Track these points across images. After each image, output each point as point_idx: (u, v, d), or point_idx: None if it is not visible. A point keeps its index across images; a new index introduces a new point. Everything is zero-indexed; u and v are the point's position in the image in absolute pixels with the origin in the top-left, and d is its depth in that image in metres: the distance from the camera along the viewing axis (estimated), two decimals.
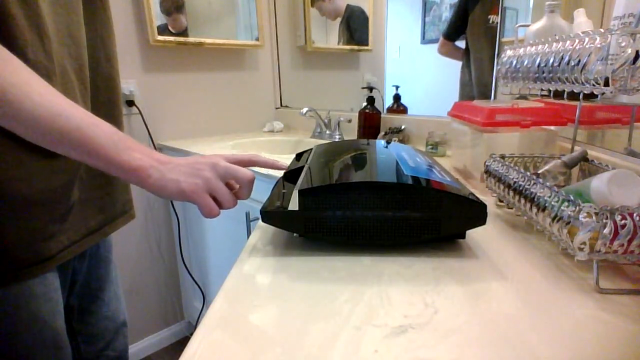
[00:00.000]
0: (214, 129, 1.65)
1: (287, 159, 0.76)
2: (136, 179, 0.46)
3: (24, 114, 0.40)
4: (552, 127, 0.76)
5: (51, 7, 0.49)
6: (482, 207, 0.48)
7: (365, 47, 1.63)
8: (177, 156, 0.52)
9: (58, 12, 0.51)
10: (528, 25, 0.79)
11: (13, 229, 0.48)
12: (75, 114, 0.43)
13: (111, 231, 0.65)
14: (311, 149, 0.73)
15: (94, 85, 0.59)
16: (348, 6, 1.63)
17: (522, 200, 0.51)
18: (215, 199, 0.48)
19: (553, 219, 0.44)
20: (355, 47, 1.66)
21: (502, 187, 0.57)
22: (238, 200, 0.51)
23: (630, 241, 0.39)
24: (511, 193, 0.55)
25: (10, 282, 0.50)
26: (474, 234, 0.55)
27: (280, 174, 0.62)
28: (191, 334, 0.46)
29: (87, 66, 0.56)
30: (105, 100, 0.62)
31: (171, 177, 0.46)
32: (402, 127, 1.32)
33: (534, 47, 0.62)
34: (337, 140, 1.48)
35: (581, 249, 0.40)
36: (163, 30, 1.39)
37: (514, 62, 0.67)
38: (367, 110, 1.36)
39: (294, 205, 0.49)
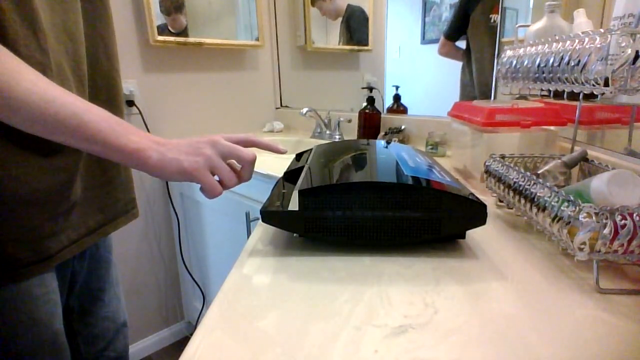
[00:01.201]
0: (214, 129, 1.65)
1: (287, 159, 0.76)
2: (136, 162, 0.45)
3: (15, 102, 0.40)
4: (552, 127, 0.76)
5: (47, 3, 0.49)
6: (482, 207, 0.48)
7: (365, 47, 1.63)
8: None
9: (54, 9, 0.50)
10: (528, 26, 0.79)
11: (11, 228, 0.48)
12: (70, 101, 0.43)
13: (112, 230, 0.65)
14: (311, 149, 0.73)
15: (93, 83, 0.59)
16: (349, 6, 1.63)
17: (522, 200, 0.51)
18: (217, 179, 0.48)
19: (553, 219, 0.44)
20: (355, 47, 1.66)
21: (502, 187, 0.57)
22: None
23: (630, 241, 0.39)
24: (511, 193, 0.55)
25: (9, 282, 0.49)
26: (474, 234, 0.55)
27: (279, 172, 0.62)
28: (191, 334, 0.46)
29: (84, 64, 0.56)
30: (105, 99, 0.61)
31: (172, 157, 0.46)
32: (402, 127, 1.32)
33: (534, 47, 0.62)
34: (337, 140, 1.48)
35: (581, 249, 0.40)
36: (163, 30, 1.39)
37: (514, 62, 0.67)
38: (367, 111, 1.36)
39: (294, 205, 0.49)
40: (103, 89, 0.61)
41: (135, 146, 0.45)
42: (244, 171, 0.51)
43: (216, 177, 0.49)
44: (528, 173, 0.52)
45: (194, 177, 0.46)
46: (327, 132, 1.53)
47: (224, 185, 0.49)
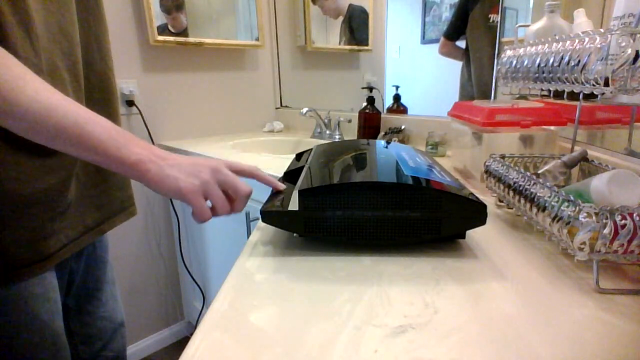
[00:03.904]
0: (214, 129, 1.65)
1: (287, 159, 0.76)
2: (135, 174, 0.45)
3: (18, 110, 0.40)
4: (552, 127, 0.76)
5: (41, 4, 0.49)
6: (482, 207, 0.48)
7: (365, 47, 1.63)
8: None
9: (49, 9, 0.51)
10: (528, 25, 0.79)
11: (12, 228, 0.48)
12: (72, 110, 0.43)
13: (109, 228, 0.65)
14: (311, 149, 0.73)
15: (87, 82, 0.59)
16: (350, 5, 1.62)
17: (522, 200, 0.51)
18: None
19: (553, 219, 0.44)
20: (355, 47, 1.66)
21: (502, 187, 0.57)
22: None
23: (630, 241, 0.39)
24: (511, 193, 0.55)
25: (10, 282, 0.50)
26: (474, 234, 0.55)
27: (279, 172, 0.62)
28: (191, 334, 0.46)
29: (80, 63, 0.56)
30: (100, 98, 0.62)
31: (170, 174, 0.46)
32: (402, 127, 1.32)
33: (534, 47, 0.62)
34: (337, 140, 1.48)
35: (581, 249, 0.40)
36: (163, 30, 1.39)
37: (514, 62, 0.67)
38: (367, 111, 1.36)
39: (294, 205, 0.49)
40: (97, 87, 0.61)
41: (135, 158, 0.45)
42: (237, 203, 0.51)
43: (209, 203, 0.49)
44: (528, 173, 0.52)
45: (187, 198, 0.46)
46: (327, 132, 1.53)
47: (215, 212, 0.49)
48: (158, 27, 1.37)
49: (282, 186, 0.56)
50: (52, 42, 0.51)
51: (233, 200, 0.50)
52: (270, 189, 0.60)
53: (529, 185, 0.51)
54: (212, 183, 0.47)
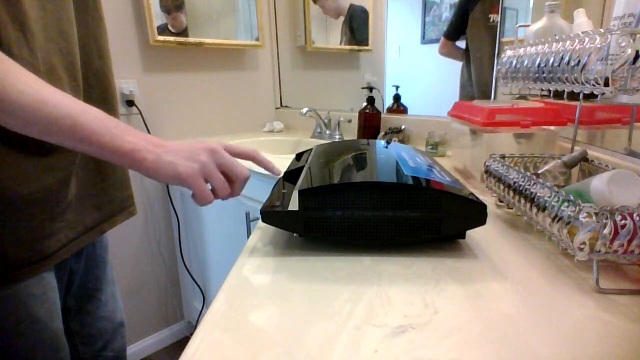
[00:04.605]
0: (214, 129, 1.65)
1: (287, 159, 0.76)
2: (131, 163, 0.45)
3: (9, 103, 0.40)
4: (552, 127, 0.76)
5: (38, 3, 0.49)
6: (482, 207, 0.48)
7: (366, 47, 1.63)
8: None
9: (46, 9, 0.50)
10: (528, 25, 0.79)
11: (11, 228, 0.48)
12: (64, 102, 0.43)
13: (108, 228, 0.65)
14: (311, 149, 0.73)
15: (85, 82, 0.59)
16: (351, 5, 1.62)
17: (522, 200, 0.51)
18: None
19: (553, 219, 0.44)
20: (355, 47, 1.66)
21: (502, 187, 0.57)
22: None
23: (630, 241, 0.39)
24: (511, 193, 0.55)
25: (9, 282, 0.49)
26: (474, 234, 0.55)
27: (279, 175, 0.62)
28: (191, 334, 0.46)
29: (78, 62, 0.56)
30: (98, 97, 0.61)
31: (167, 160, 0.45)
32: (402, 127, 1.32)
33: (534, 47, 0.62)
34: (337, 140, 1.48)
35: (581, 249, 0.40)
36: (163, 30, 1.39)
37: (514, 62, 0.67)
38: (367, 111, 1.36)
39: (294, 205, 0.49)
40: (96, 87, 0.61)
41: (131, 147, 0.44)
42: (234, 186, 0.50)
43: (209, 186, 0.49)
44: (528, 173, 0.52)
45: (187, 182, 0.46)
46: (327, 132, 1.53)
47: (216, 195, 0.49)
48: (158, 27, 1.37)
49: (278, 171, 0.56)
50: (49, 41, 0.51)
51: (232, 182, 0.50)
52: (271, 188, 0.60)
53: (529, 185, 0.51)
54: (211, 165, 0.47)
